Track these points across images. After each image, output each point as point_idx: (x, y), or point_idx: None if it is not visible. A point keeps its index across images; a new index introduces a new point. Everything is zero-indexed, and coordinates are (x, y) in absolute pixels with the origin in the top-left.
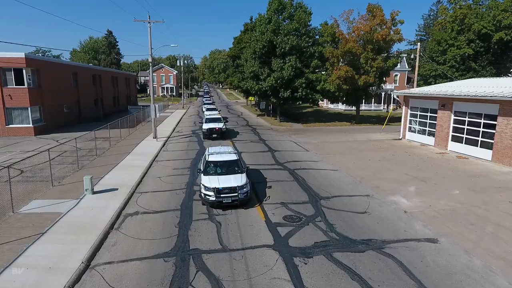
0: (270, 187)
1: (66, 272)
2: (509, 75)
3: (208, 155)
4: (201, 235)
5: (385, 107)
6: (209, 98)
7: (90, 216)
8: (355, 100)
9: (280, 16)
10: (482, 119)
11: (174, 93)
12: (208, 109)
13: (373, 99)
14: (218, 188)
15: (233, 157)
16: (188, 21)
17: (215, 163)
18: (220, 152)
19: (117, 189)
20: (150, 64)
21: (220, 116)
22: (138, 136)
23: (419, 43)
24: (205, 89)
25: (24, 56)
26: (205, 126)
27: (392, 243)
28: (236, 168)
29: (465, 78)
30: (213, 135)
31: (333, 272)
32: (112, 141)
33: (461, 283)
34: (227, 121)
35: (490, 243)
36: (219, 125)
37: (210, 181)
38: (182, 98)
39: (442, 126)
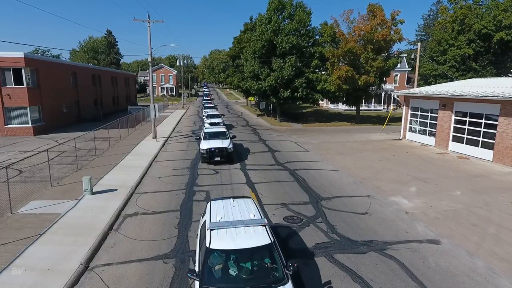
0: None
1: (64, 273)
2: (510, 75)
3: (211, 231)
4: None
5: (385, 107)
6: (209, 101)
7: (89, 217)
8: (355, 100)
9: (280, 16)
10: (483, 119)
11: (174, 93)
12: (209, 116)
13: (373, 99)
14: None
15: (263, 238)
16: (188, 21)
17: (227, 255)
18: (235, 224)
19: (116, 189)
20: (150, 64)
21: (225, 129)
22: (138, 136)
23: (419, 43)
24: (204, 90)
25: (23, 55)
26: (204, 145)
27: (393, 244)
28: (269, 264)
29: (466, 78)
30: (215, 158)
31: (335, 274)
32: (111, 141)
33: (464, 285)
34: (234, 137)
35: (493, 245)
36: (224, 143)
37: None
38: (182, 98)
39: (442, 126)
